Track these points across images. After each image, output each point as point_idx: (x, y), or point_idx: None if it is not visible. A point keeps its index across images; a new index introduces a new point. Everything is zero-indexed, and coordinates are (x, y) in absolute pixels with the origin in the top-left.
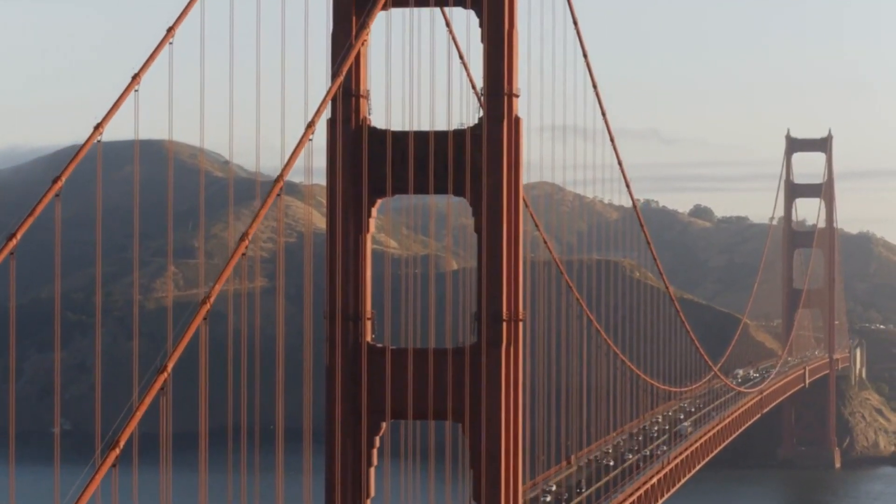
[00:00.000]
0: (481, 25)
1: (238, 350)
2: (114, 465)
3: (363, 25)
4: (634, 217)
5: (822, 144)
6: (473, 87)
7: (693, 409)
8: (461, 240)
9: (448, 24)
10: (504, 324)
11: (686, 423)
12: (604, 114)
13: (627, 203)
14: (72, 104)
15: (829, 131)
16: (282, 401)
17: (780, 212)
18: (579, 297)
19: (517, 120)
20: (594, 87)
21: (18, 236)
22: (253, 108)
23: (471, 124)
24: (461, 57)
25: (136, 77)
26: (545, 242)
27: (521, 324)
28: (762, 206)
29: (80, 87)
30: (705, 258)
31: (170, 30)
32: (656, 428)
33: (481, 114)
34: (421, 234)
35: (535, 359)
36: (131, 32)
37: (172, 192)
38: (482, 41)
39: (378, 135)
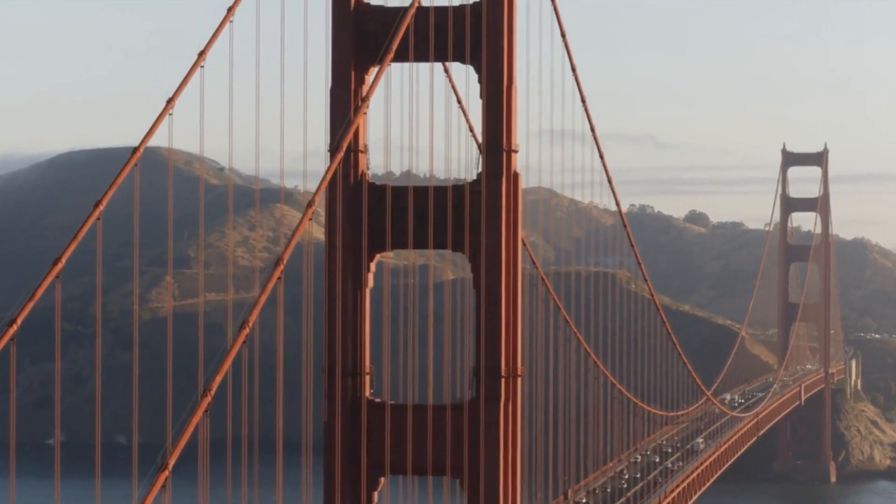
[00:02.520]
0: (480, 81)
1: (237, 361)
2: None
3: (364, 98)
4: (629, 223)
5: (818, 158)
6: (474, 134)
7: (671, 450)
8: None
9: (448, 76)
10: (502, 380)
11: (699, 440)
12: (602, 156)
13: (623, 208)
14: (68, 111)
15: (825, 145)
16: (281, 411)
17: (777, 219)
18: (577, 331)
19: (515, 175)
20: (592, 130)
21: (19, 322)
22: (247, 111)
23: (469, 179)
24: (459, 102)
25: (137, 150)
26: (544, 279)
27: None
28: (757, 209)
29: (77, 95)
30: (700, 264)
31: (169, 101)
32: (627, 476)
33: (480, 168)
34: None
35: (533, 388)
36: (129, 42)
37: (172, 202)
38: (481, 97)
39: (377, 189)
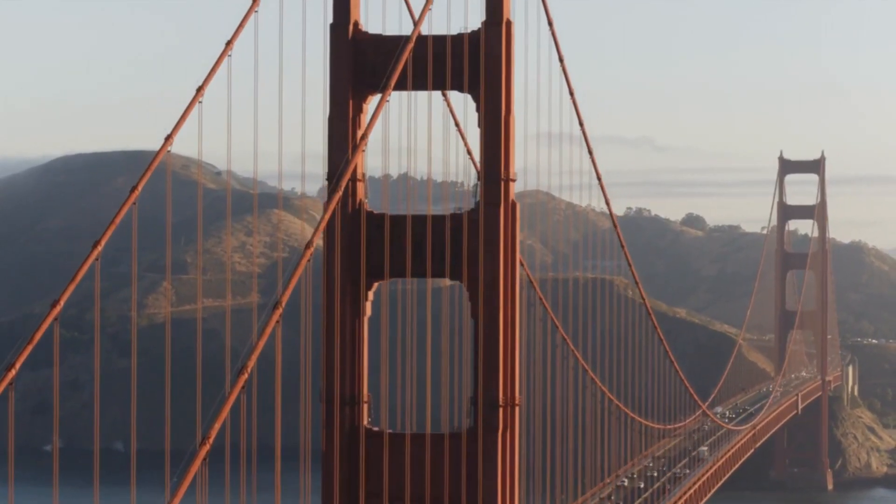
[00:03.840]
0: (478, 110)
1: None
2: None
3: (363, 136)
4: (626, 227)
5: (815, 166)
6: (472, 159)
7: (656, 473)
8: None
9: (449, 105)
10: (500, 409)
11: (703, 448)
12: (599, 178)
13: (620, 211)
14: (64, 115)
15: (822, 153)
16: (279, 418)
17: (774, 222)
18: (574, 349)
19: (513, 204)
20: (590, 153)
21: (17, 366)
22: (245, 115)
23: (468, 208)
24: (458, 128)
25: (135, 189)
26: (542, 299)
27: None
28: (754, 212)
29: (74, 99)
30: (697, 267)
31: (167, 138)
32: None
33: (478, 196)
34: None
35: (531, 408)
36: (126, 47)
37: (170, 208)
38: (479, 126)
39: (375, 218)
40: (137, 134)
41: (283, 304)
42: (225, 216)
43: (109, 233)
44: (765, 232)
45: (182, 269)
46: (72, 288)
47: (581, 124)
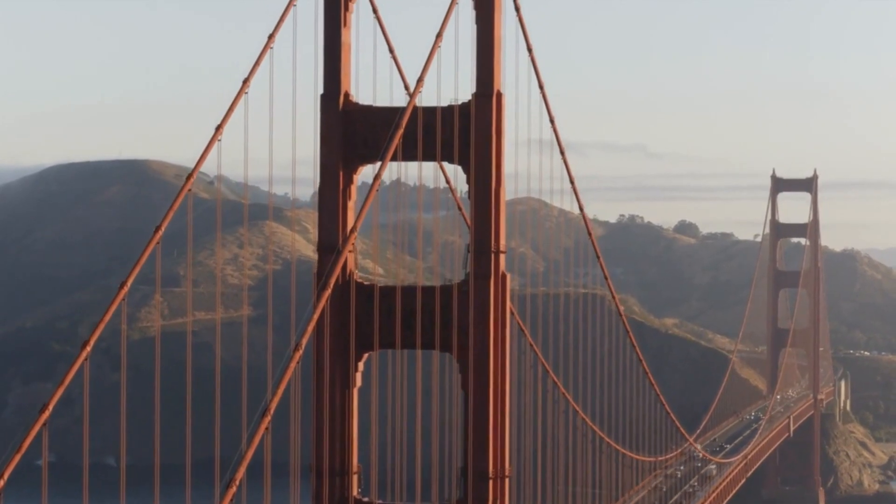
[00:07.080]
0: (468, 182)
1: (227, 380)
2: None
3: (353, 229)
4: (619, 234)
5: (808, 184)
6: (468, 222)
7: None
8: (447, 259)
9: (446, 176)
10: (490, 482)
11: (711, 466)
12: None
13: (612, 219)
14: (57, 124)
15: (815, 171)
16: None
17: (767, 244)
18: (565, 391)
19: (503, 276)
20: (581, 210)
21: (6, 476)
22: (239, 120)
23: (459, 279)
24: (452, 191)
25: (125, 283)
26: (533, 345)
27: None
28: (747, 216)
29: (66, 107)
30: (690, 275)
31: (157, 229)
32: None
33: (468, 267)
34: (408, 254)
35: (522, 433)
36: (121, 53)
37: (166, 222)
38: (469, 197)
39: (365, 290)
40: (131, 143)
41: (272, 411)
42: (216, 229)
43: (99, 330)
44: (758, 240)
45: (174, 282)
46: (60, 391)
47: (572, 181)
